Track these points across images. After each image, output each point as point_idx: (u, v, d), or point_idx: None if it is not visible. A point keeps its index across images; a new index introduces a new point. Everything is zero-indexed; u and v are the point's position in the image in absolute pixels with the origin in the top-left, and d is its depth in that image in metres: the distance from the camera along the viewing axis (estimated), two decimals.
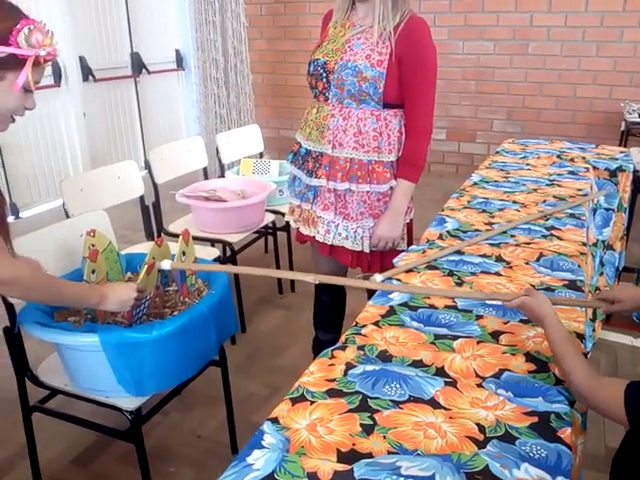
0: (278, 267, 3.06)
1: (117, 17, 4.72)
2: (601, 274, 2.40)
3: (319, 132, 1.81)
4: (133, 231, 3.05)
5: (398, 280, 1.43)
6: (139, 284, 1.42)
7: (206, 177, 3.11)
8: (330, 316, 2.17)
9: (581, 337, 1.16)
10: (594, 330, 1.90)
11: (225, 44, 4.43)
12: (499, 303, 1.29)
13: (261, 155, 3.50)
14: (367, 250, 1.85)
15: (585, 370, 0.96)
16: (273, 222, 2.92)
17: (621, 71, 4.32)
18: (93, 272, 1.50)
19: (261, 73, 5.71)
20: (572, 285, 1.39)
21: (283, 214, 2.97)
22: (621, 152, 2.76)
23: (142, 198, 2.58)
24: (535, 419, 0.92)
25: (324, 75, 1.77)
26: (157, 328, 1.38)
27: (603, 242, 2.42)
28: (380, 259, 1.88)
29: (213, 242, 2.75)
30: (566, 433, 0.89)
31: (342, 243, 1.85)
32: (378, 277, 1.42)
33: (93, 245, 1.60)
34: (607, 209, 2.50)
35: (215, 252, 2.55)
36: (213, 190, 2.78)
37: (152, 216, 2.65)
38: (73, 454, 1.92)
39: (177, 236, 2.46)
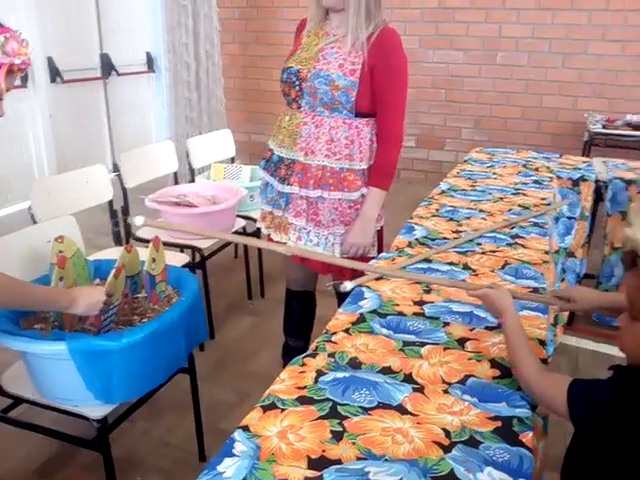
0: (248, 273, 3.06)
1: (87, 17, 4.64)
2: (562, 280, 2.47)
3: (291, 139, 1.82)
4: (99, 235, 3.01)
5: (368, 287, 1.45)
6: (107, 288, 1.41)
7: (176, 182, 3.10)
8: (300, 323, 2.19)
9: (542, 343, 1.20)
10: (555, 335, 1.96)
11: (197, 47, 4.41)
12: (466, 310, 1.33)
13: (232, 160, 3.49)
14: (338, 257, 1.86)
15: (535, 364, 1.01)
16: (244, 227, 2.92)
17: (585, 82, 4.46)
18: (61, 279, 1.48)
19: (233, 77, 5.70)
20: (535, 292, 1.43)
21: (254, 220, 2.97)
22: (584, 162, 2.86)
23: (111, 202, 2.55)
24: (499, 424, 0.95)
25: (297, 83, 1.79)
26: (127, 335, 1.37)
27: (565, 249, 2.49)
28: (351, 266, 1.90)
29: (182, 248, 2.74)
30: (528, 437, 0.92)
31: (313, 250, 1.87)
32: (349, 285, 1.44)
33: (61, 251, 1.58)
34: (569, 217, 2.58)
35: (185, 258, 2.54)
36: (183, 195, 2.77)
37: (121, 221, 2.63)
38: (35, 464, 1.89)
39: (146, 242, 2.46)
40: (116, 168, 2.69)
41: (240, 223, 2.87)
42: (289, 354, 2.21)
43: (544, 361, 1.11)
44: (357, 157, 1.79)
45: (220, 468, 0.85)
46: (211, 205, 2.72)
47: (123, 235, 2.68)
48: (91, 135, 4.88)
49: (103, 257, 2.13)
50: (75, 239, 1.76)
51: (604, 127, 3.95)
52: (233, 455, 0.88)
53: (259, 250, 3.09)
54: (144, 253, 1.61)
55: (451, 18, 4.84)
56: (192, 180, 3.17)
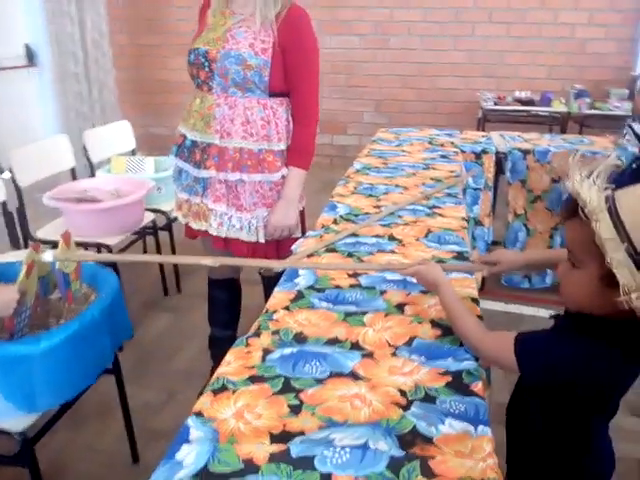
0: (162, 269, 2.94)
1: None
2: (474, 248, 2.60)
3: (204, 122, 1.76)
4: None
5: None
6: (20, 285, 1.29)
7: (74, 178, 2.89)
8: (226, 313, 2.13)
9: (475, 301, 1.25)
10: None
11: (84, 36, 4.13)
12: (399, 278, 1.35)
13: (133, 152, 3.32)
14: (262, 240, 1.83)
15: (478, 327, 1.05)
16: (153, 221, 2.79)
17: (475, 63, 4.71)
18: None
19: (124, 68, 5.42)
20: (460, 256, 1.48)
21: (163, 212, 2.86)
22: (483, 136, 3.01)
23: (4, 204, 2.34)
24: (449, 378, 0.98)
25: (206, 64, 1.73)
26: (45, 338, 1.26)
27: (474, 219, 2.62)
28: (276, 248, 1.87)
29: (87, 246, 2.56)
30: (478, 387, 0.95)
31: (237, 235, 1.82)
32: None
33: None
34: (475, 188, 2.72)
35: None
36: (84, 191, 2.60)
37: (17, 223, 2.42)
38: None
39: (46, 243, 2.28)
40: (1, 169, 2.45)
41: (149, 217, 2.75)
42: (217, 345, 2.16)
43: (479, 317, 1.16)
44: (275, 137, 1.76)
45: (179, 456, 0.81)
46: (116, 199, 2.57)
47: (21, 237, 2.46)
48: None
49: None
50: None
51: (496, 104, 4.20)
52: (190, 442, 0.83)
53: (172, 245, 2.98)
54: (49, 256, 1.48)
55: (344, 3, 4.91)
56: (92, 175, 2.98)
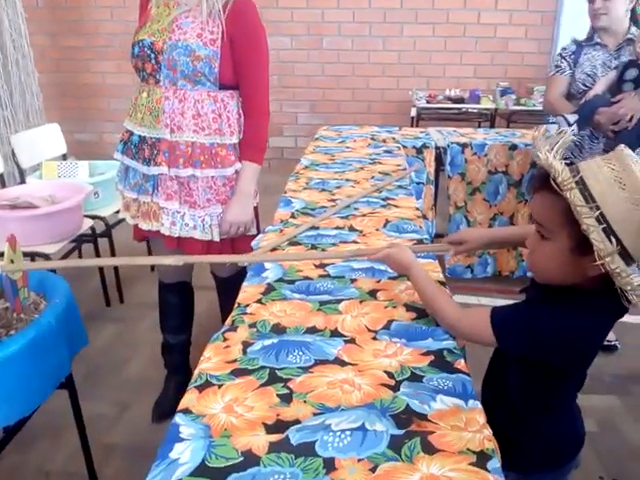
0: (102, 280, 2.81)
1: None
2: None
3: (153, 117, 1.70)
4: None
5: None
6: None
7: (4, 185, 2.72)
8: (179, 317, 2.07)
9: (443, 284, 1.28)
10: None
11: (1, 37, 3.89)
12: (366, 266, 1.36)
13: (64, 157, 3.17)
14: (217, 238, 1.79)
15: (453, 306, 1.07)
16: (92, 228, 2.67)
17: (405, 63, 4.83)
18: None
19: (45, 72, 5.14)
20: (420, 244, 1.51)
21: (102, 218, 2.74)
22: (421, 132, 3.09)
23: None
24: (432, 357, 0.99)
25: (152, 56, 1.67)
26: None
27: (419, 210, 2.68)
28: (231, 247, 1.83)
29: (23, 255, 2.41)
30: (461, 364, 0.97)
31: (190, 234, 1.77)
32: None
33: None
34: (418, 183, 2.78)
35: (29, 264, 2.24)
36: (16, 197, 2.45)
37: None
38: None
39: None
40: None
41: (87, 224, 2.62)
42: (170, 352, 2.09)
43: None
44: (227, 131, 1.73)
45: (173, 455, 0.77)
46: (50, 205, 2.44)
47: None
48: None
49: None
50: None
51: (428, 102, 4.32)
52: (182, 440, 0.80)
53: (112, 252, 2.85)
54: None
55: (274, 4, 4.90)
56: (22, 181, 2.81)
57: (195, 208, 1.75)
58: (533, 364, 0.98)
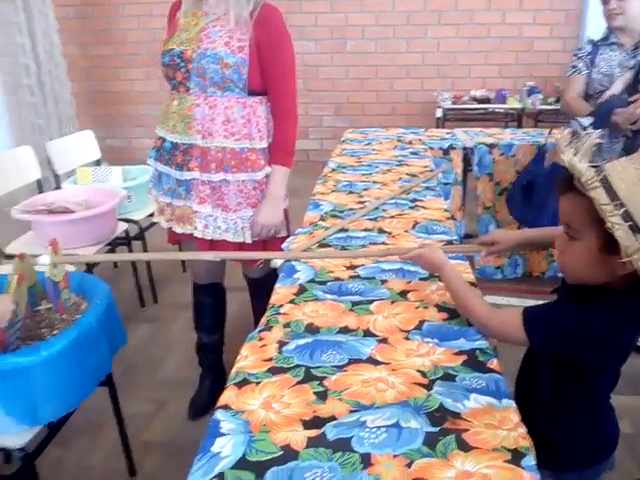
0: (137, 281, 2.88)
1: None
2: None
3: (184, 124, 1.75)
4: None
5: (297, 260, 1.44)
6: (14, 296, 1.25)
7: (41, 190, 2.81)
8: (212, 317, 2.11)
9: (474, 285, 1.29)
10: None
11: (35, 48, 4.01)
12: (396, 267, 1.38)
13: (98, 163, 3.25)
14: (249, 240, 1.83)
15: (484, 305, 1.08)
16: (126, 231, 2.74)
17: (429, 64, 4.83)
18: None
19: (76, 81, 5.29)
20: (450, 245, 1.53)
21: (135, 222, 2.81)
22: (447, 133, 3.09)
23: None
24: (464, 357, 1.01)
25: (182, 65, 1.72)
26: (45, 348, 1.22)
27: (448, 212, 2.68)
28: (263, 248, 1.87)
29: None
30: (494, 363, 0.99)
31: (223, 236, 1.81)
32: (278, 262, 1.42)
33: None
34: (445, 183, 2.78)
35: (70, 268, 2.31)
36: (52, 203, 2.53)
37: None
38: None
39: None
40: None
41: (121, 227, 2.69)
42: (204, 350, 2.14)
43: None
44: (256, 136, 1.77)
45: (214, 449, 0.80)
46: (85, 210, 2.51)
47: None
48: None
49: None
50: None
51: (453, 103, 4.31)
52: (223, 434, 0.83)
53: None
54: (45, 259, 1.44)
55: (298, 9, 4.95)
56: (58, 187, 2.90)
57: (227, 211, 1.79)
58: (564, 363, 0.99)
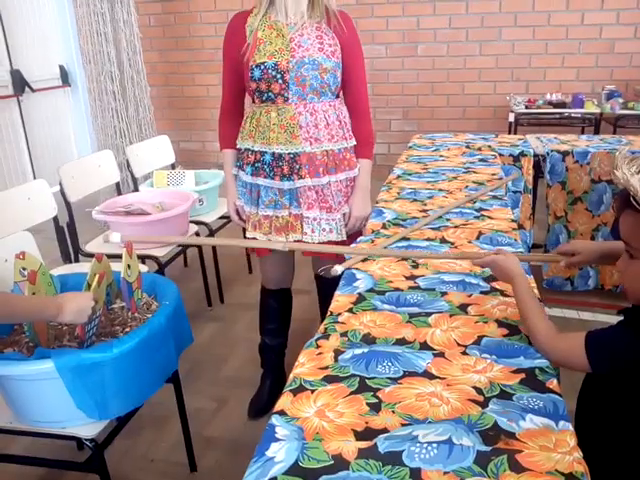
0: (205, 281, 2.99)
1: None
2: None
3: (288, 133, 1.78)
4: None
5: (357, 269, 1.46)
6: (94, 293, 1.34)
7: (119, 192, 2.98)
8: (277, 321, 2.16)
9: (541, 300, 1.25)
10: None
11: (119, 56, 4.25)
12: (457, 279, 1.36)
13: (173, 166, 3.40)
14: (346, 237, 1.91)
15: (548, 326, 1.05)
16: (197, 233, 2.85)
17: (502, 67, 4.70)
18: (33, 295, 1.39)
19: (155, 86, 5.54)
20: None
21: (206, 224, 2.92)
22: (519, 139, 3.01)
23: (56, 219, 2.42)
24: (523, 375, 0.99)
25: (278, 76, 1.75)
26: (117, 345, 1.30)
27: (515, 222, 2.61)
28: (350, 243, 1.90)
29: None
30: (553, 384, 0.96)
31: (328, 238, 1.87)
32: (339, 268, 1.44)
33: (24, 268, 1.48)
34: (515, 192, 2.71)
35: (143, 268, 2.44)
36: (130, 205, 2.67)
37: (67, 237, 2.49)
38: None
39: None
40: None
41: (193, 229, 2.80)
42: (267, 352, 2.19)
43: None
44: (347, 136, 1.88)
45: (269, 453, 0.83)
46: (160, 212, 2.63)
47: (71, 251, 2.54)
48: (8, 154, 4.61)
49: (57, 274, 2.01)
50: (35, 255, 1.65)
51: (527, 107, 4.18)
52: (278, 440, 0.86)
53: (214, 256, 3.03)
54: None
55: (369, 13, 4.96)
56: (135, 189, 3.06)
57: (331, 212, 1.87)
58: (625, 388, 0.95)
